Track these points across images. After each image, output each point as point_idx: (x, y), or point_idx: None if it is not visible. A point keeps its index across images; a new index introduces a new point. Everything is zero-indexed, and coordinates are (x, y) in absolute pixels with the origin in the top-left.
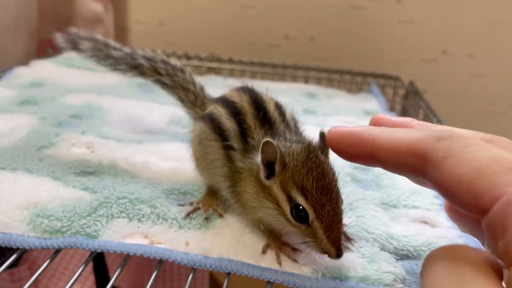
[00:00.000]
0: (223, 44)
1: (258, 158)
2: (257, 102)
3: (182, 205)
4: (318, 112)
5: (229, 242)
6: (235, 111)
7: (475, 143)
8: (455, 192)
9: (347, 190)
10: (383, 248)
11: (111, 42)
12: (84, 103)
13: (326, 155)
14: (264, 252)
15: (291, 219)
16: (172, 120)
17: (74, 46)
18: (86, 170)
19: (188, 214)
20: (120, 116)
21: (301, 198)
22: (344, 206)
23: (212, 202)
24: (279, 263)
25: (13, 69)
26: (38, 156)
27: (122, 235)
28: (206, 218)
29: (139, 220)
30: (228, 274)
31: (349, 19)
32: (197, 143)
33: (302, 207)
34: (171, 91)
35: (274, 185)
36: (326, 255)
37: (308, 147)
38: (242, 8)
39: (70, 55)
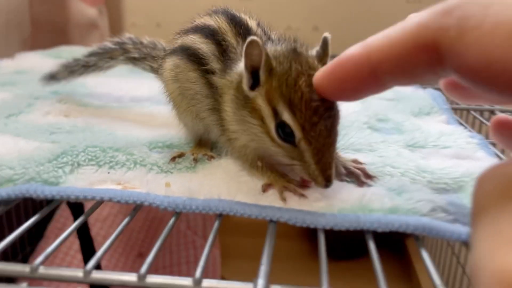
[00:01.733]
0: None
1: (240, 66)
2: (236, 20)
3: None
4: None
5: (220, 180)
6: (211, 33)
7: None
8: (487, 78)
9: (364, 135)
10: (414, 182)
11: (79, 56)
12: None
13: (324, 64)
14: (264, 191)
15: (276, 138)
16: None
17: (52, 78)
18: (58, 131)
19: (173, 159)
20: (104, 89)
21: (287, 114)
22: (360, 146)
23: (202, 150)
24: (283, 199)
25: None
26: (4, 121)
27: (89, 182)
28: (195, 160)
29: (111, 167)
30: (220, 215)
31: (354, 6)
32: (172, 81)
33: (289, 125)
34: (141, 63)
35: (259, 97)
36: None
37: (300, 51)
38: (241, 1)
39: (59, 48)
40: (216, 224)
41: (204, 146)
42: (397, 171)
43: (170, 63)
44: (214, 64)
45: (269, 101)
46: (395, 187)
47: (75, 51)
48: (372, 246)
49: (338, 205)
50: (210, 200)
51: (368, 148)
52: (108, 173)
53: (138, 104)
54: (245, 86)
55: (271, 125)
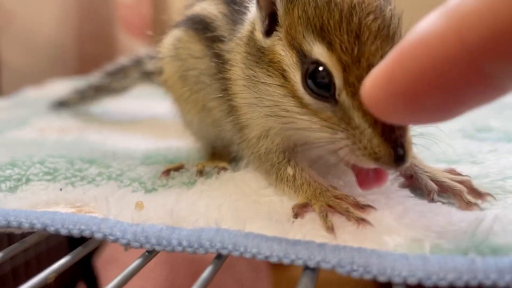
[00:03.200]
0: None
1: (252, 11)
2: None
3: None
4: None
5: (224, 200)
6: None
7: None
8: None
9: (461, 144)
10: None
11: (92, 78)
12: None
13: None
14: (297, 215)
15: (305, 96)
16: None
17: (61, 105)
18: (35, 145)
19: (166, 172)
20: (120, 108)
21: (320, 47)
22: (458, 157)
23: (214, 162)
24: (329, 228)
25: (24, 90)
26: None
27: (32, 203)
28: (200, 172)
29: (70, 183)
30: (219, 257)
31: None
32: (171, 59)
33: (323, 66)
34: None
35: (278, 43)
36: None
37: None
38: None
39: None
40: (207, 271)
41: (218, 159)
42: None
43: (170, 38)
44: (224, 27)
45: (292, 43)
46: None
47: None
48: None
49: (432, 239)
50: (201, 230)
51: (470, 159)
52: (61, 190)
53: (154, 118)
54: (259, 31)
55: (297, 77)
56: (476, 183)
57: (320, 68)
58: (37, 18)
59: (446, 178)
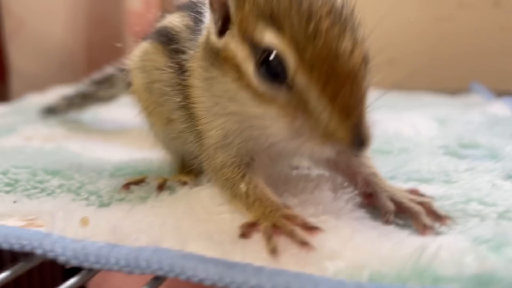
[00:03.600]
0: None
1: (207, 18)
2: None
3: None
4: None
5: (170, 217)
6: (191, 5)
7: None
8: None
9: (437, 161)
10: None
11: (80, 85)
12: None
13: None
14: (244, 235)
15: (260, 83)
16: None
17: (50, 112)
18: (12, 154)
19: (126, 185)
20: (109, 116)
21: (270, 33)
22: (430, 175)
23: (180, 176)
24: (272, 250)
25: (26, 96)
26: None
27: None
28: (160, 186)
29: (27, 195)
30: (157, 278)
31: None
32: (138, 71)
33: (275, 49)
34: None
35: (231, 40)
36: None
37: None
38: None
39: None
40: None
41: (187, 172)
42: (490, 210)
43: (139, 50)
44: (187, 38)
45: (245, 37)
46: (488, 236)
47: None
48: None
49: (373, 265)
50: (140, 249)
51: (443, 178)
52: (14, 202)
53: (142, 127)
54: (213, 33)
55: (249, 67)
56: (438, 205)
57: (272, 54)
58: (46, 25)
59: (405, 199)
